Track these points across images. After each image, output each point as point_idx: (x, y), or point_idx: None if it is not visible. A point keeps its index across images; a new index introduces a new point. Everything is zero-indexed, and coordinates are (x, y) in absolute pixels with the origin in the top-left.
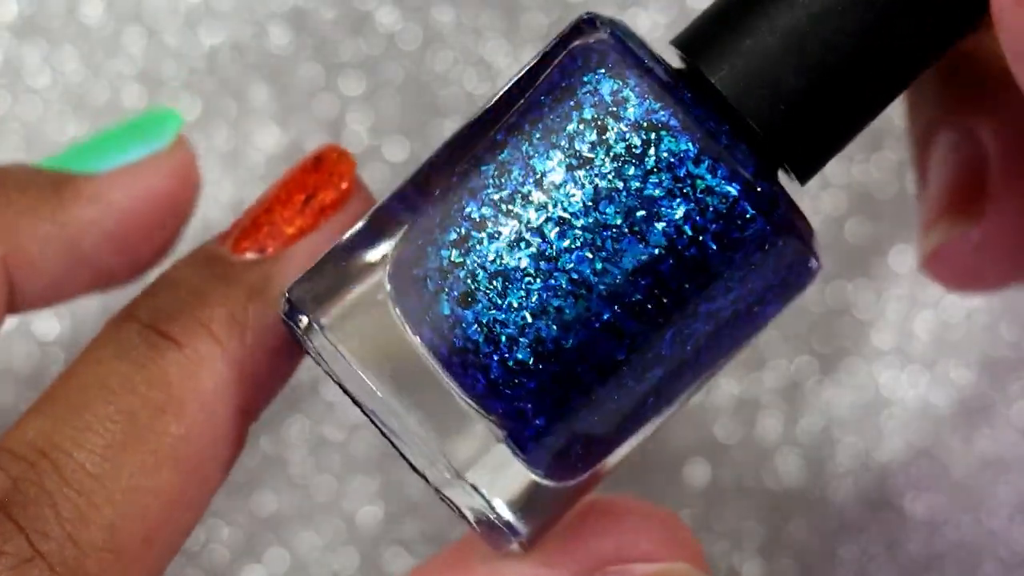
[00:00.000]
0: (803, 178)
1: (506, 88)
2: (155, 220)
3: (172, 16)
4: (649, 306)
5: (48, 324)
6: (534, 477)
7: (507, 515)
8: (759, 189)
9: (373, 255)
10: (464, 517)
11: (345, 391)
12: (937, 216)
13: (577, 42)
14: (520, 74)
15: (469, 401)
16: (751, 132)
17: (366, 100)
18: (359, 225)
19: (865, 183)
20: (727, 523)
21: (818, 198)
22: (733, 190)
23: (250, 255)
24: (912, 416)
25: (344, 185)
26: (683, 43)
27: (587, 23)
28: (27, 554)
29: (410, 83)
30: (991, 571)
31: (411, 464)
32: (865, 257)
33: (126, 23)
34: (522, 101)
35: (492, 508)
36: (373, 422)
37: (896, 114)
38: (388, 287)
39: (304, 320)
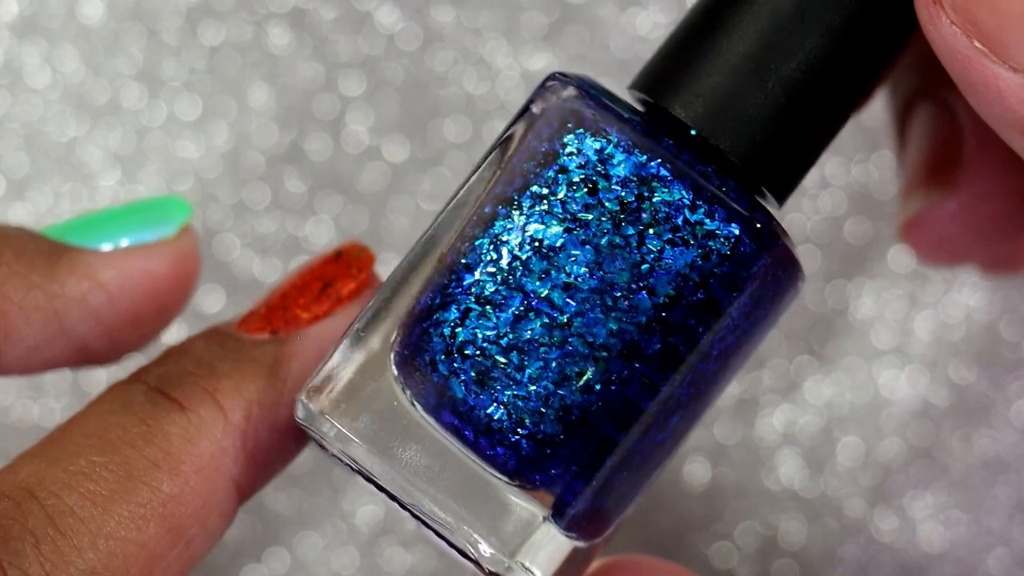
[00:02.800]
0: (781, 199)
1: (486, 159)
2: (145, 306)
3: (172, 16)
4: (666, 356)
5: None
6: (572, 543)
7: None
8: (759, 225)
9: (376, 341)
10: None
11: (377, 486)
12: (915, 185)
13: (549, 103)
14: (497, 142)
15: (501, 477)
16: (728, 164)
17: (366, 100)
18: (361, 314)
19: (865, 183)
20: (727, 523)
21: (818, 198)
22: (735, 230)
23: (262, 335)
24: (912, 416)
25: (362, 276)
26: (645, 86)
27: (554, 82)
28: None
29: (410, 83)
30: (990, 571)
31: (444, 538)
32: (865, 257)
33: (126, 23)
34: (504, 169)
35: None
36: (403, 506)
37: None
38: (395, 372)
39: (321, 421)
